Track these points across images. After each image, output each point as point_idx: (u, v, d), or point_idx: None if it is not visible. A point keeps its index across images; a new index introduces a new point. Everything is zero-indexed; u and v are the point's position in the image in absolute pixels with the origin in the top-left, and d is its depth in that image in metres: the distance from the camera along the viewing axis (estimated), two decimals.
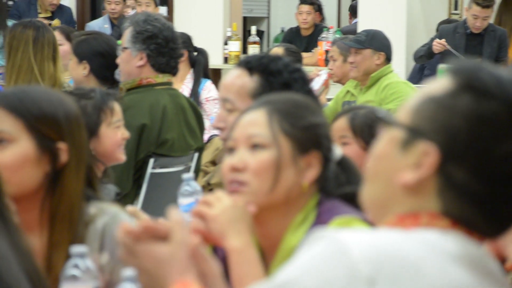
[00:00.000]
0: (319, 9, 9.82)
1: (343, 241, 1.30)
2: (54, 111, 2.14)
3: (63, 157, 2.13)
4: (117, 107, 3.22)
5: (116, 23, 9.00)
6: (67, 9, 9.14)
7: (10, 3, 9.48)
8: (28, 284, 1.57)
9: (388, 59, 5.63)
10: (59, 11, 8.88)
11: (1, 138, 2.08)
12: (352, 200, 2.10)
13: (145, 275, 1.66)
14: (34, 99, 2.16)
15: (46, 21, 8.19)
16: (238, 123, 2.06)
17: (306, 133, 2.03)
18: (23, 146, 2.10)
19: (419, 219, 1.34)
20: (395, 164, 1.36)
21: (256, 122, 2.02)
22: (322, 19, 10.04)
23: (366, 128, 3.25)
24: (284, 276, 1.31)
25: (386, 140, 1.38)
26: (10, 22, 7.95)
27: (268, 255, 2.09)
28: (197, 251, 1.66)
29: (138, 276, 1.67)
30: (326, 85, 5.41)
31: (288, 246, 2.03)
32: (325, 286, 1.26)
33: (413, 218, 1.34)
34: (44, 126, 2.12)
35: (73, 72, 4.40)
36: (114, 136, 3.19)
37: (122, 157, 3.23)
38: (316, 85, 5.30)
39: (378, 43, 5.60)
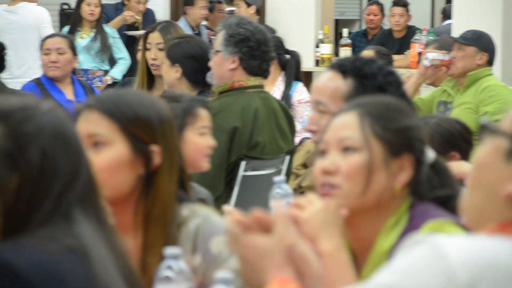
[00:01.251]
0: None
1: (441, 246, 1.28)
2: (148, 114, 2.17)
3: (156, 159, 2.15)
4: (203, 113, 3.22)
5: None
6: (151, 12, 9.26)
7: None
8: (124, 286, 1.60)
9: (490, 62, 5.55)
10: (144, 14, 9.03)
11: (97, 141, 2.12)
12: (445, 204, 2.07)
13: (246, 265, 1.66)
14: (128, 102, 2.19)
15: (131, 19, 8.33)
16: (329, 126, 2.06)
17: (398, 136, 2.02)
18: (118, 149, 2.13)
19: None
20: (498, 174, 1.33)
21: (348, 125, 2.01)
22: None
23: (436, 136, 3.25)
24: (381, 280, 1.31)
25: (490, 149, 1.36)
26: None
27: (360, 259, 2.08)
28: (293, 250, 1.66)
29: (240, 266, 1.69)
30: (442, 65, 5.33)
31: (380, 249, 2.02)
32: None
33: None
34: (138, 129, 2.15)
35: (165, 75, 4.46)
36: (197, 142, 3.19)
37: (205, 165, 3.22)
38: (436, 55, 5.28)
39: (483, 43, 5.52)
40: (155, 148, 2.15)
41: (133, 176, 2.15)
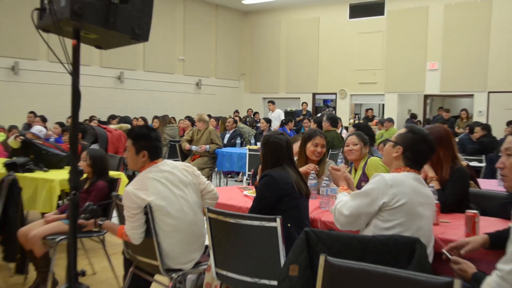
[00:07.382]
0: None
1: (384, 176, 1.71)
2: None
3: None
4: (317, 138, 3.77)
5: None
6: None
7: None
8: (296, 190, 2.51)
9: None
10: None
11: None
12: None
13: (334, 180, 2.50)
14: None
15: None
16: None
17: None
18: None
19: None
20: None
21: None
22: None
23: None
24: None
25: None
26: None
27: (357, 170, 2.89)
28: (347, 176, 2.46)
29: (332, 180, 2.56)
30: None
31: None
32: None
33: None
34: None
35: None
36: (312, 149, 3.79)
37: (315, 158, 3.75)
38: None
39: None
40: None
41: None
